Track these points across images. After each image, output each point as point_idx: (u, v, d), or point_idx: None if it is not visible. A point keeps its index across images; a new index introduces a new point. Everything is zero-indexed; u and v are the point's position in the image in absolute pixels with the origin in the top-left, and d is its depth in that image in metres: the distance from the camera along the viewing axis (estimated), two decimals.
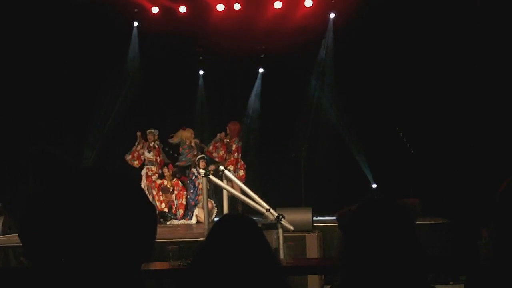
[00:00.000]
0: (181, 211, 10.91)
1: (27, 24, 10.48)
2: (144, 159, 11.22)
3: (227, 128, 11.09)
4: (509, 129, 9.46)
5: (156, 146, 11.25)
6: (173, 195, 10.99)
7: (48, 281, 1.24)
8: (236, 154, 10.97)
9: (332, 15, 11.65)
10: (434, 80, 10.30)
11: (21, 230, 1.27)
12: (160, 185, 11.05)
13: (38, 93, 10.90)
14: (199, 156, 10.67)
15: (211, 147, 11.09)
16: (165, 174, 11.12)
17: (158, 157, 11.22)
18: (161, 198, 11.00)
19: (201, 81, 12.53)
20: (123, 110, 11.68)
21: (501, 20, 9.60)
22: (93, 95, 11.52)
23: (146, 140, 11.28)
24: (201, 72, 12.50)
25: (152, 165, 11.20)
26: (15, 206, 9.99)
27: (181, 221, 10.69)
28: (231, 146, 10.98)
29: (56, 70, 11.08)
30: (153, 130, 11.28)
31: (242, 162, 11.00)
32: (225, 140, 11.04)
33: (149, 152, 11.22)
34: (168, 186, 11.03)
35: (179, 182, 11.09)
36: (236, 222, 2.04)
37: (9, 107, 10.72)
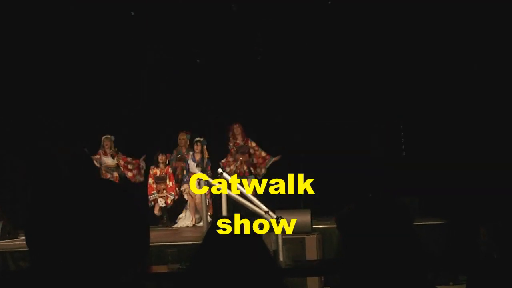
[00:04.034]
0: (171, 197, 10.73)
1: (26, 24, 10.47)
2: (101, 166, 10.86)
3: (231, 131, 10.90)
4: (507, 128, 9.45)
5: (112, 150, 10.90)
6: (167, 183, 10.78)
7: (47, 285, 1.25)
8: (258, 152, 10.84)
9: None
10: (434, 77, 10.29)
11: (27, 235, 1.30)
12: (154, 175, 10.84)
13: (38, 94, 10.88)
14: (196, 140, 10.55)
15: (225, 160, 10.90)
16: (160, 161, 10.78)
17: (120, 160, 10.87)
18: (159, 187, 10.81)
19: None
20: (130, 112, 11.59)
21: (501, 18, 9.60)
22: (95, 96, 11.45)
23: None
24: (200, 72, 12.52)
25: (113, 171, 10.86)
26: (14, 211, 9.97)
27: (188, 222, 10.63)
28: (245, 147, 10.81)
29: (56, 70, 11.03)
30: (109, 136, 10.92)
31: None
32: (233, 146, 10.86)
33: (112, 157, 10.92)
34: (162, 174, 10.80)
35: (168, 169, 10.83)
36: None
37: (9, 107, 10.71)
